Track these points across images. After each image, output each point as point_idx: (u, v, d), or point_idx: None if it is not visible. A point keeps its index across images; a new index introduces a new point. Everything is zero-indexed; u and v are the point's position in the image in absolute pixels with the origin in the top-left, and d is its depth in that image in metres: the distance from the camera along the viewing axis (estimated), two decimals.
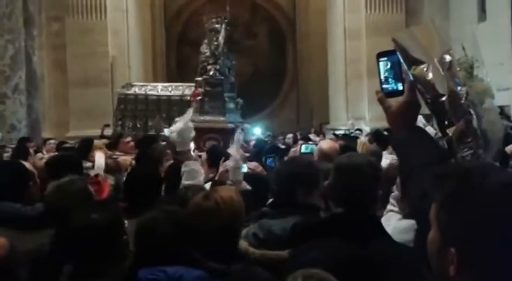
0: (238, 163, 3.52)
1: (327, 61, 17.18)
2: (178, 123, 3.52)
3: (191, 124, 3.59)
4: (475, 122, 1.50)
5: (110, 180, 3.25)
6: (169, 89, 10.91)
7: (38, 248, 2.32)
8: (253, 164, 4.18)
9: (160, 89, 11.08)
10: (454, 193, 1.01)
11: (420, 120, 1.63)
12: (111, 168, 4.75)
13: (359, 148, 5.30)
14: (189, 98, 8.63)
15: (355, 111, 14.69)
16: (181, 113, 10.37)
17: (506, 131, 1.69)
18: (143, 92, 11.02)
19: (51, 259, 2.21)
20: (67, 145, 7.53)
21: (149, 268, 1.91)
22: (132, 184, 3.04)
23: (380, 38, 13.83)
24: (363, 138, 7.54)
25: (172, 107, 10.43)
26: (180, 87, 10.88)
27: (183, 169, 3.42)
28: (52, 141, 8.67)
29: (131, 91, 11.11)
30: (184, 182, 3.35)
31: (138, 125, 10.74)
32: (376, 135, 6.89)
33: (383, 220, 2.54)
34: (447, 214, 1.02)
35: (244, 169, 3.95)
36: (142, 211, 2.31)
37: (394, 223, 2.50)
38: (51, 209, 2.45)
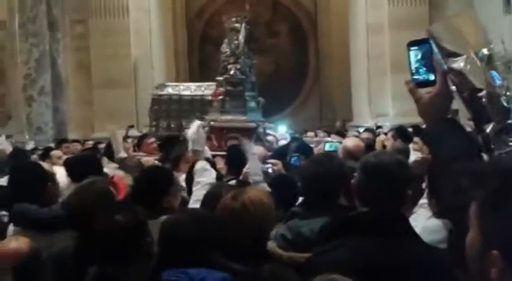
0: (255, 166, 3.57)
1: (349, 58, 17.04)
2: (194, 124, 3.61)
3: (202, 124, 3.69)
4: None
5: (128, 180, 3.27)
6: (202, 88, 10.96)
7: (62, 251, 2.33)
8: (273, 161, 4.17)
9: (194, 88, 11.15)
10: (498, 192, 0.96)
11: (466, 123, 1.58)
12: (132, 167, 4.78)
13: (378, 146, 5.24)
14: (210, 97, 8.65)
15: (379, 108, 14.54)
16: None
17: None
18: (177, 92, 11.09)
19: (76, 261, 2.21)
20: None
21: (172, 269, 1.90)
22: (138, 185, 3.03)
23: (403, 33, 13.63)
24: (382, 136, 7.45)
25: (206, 107, 10.50)
26: (213, 87, 10.94)
27: (196, 167, 3.48)
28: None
29: (165, 91, 11.19)
30: (197, 179, 3.40)
31: (173, 126, 10.81)
32: (400, 132, 6.79)
33: (410, 219, 2.49)
34: (490, 214, 0.97)
35: (269, 169, 3.95)
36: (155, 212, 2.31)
37: (423, 222, 2.44)
38: (73, 212, 2.46)
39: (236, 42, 8.45)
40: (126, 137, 11.32)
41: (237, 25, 8.73)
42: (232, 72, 8.26)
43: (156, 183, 2.87)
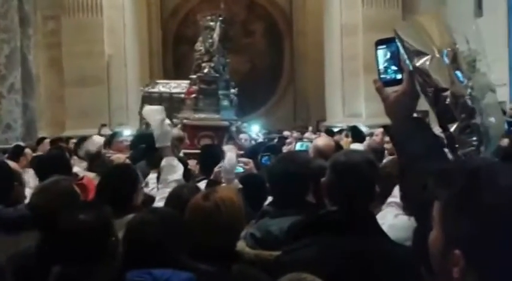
0: (232, 163, 3.52)
1: (323, 58, 17.15)
2: (155, 120, 3.52)
3: (167, 120, 3.62)
4: (477, 118, 1.46)
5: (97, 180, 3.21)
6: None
7: (24, 251, 2.28)
8: (245, 160, 4.16)
9: (185, 86, 11.12)
10: (461, 192, 0.96)
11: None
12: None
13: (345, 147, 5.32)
14: (183, 95, 8.63)
15: (352, 109, 14.67)
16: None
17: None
18: (168, 90, 11.01)
19: (39, 261, 2.17)
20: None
21: (137, 269, 1.87)
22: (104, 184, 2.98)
23: (377, 34, 13.65)
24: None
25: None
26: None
27: (162, 164, 3.42)
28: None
29: (155, 89, 11.09)
30: (163, 177, 3.34)
31: None
32: (354, 132, 7.00)
33: (378, 217, 2.50)
34: (453, 214, 0.97)
35: (240, 169, 3.93)
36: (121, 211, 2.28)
37: (391, 220, 2.45)
38: (37, 211, 2.41)
39: (211, 40, 8.44)
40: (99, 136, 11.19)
41: (211, 23, 8.72)
42: (206, 70, 8.25)
43: (121, 181, 2.83)
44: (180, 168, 3.42)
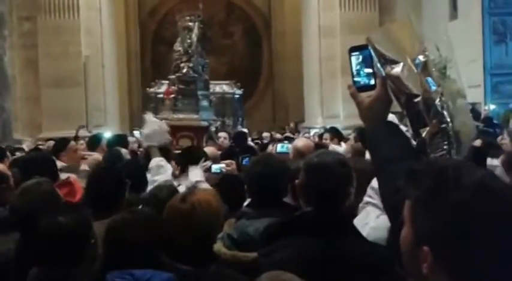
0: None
1: (302, 59, 17.24)
2: (147, 120, 3.52)
3: (156, 120, 3.61)
4: (448, 123, 1.51)
5: (82, 183, 3.20)
6: None
7: (4, 253, 2.27)
8: (227, 162, 4.18)
9: None
10: (429, 191, 1.01)
11: (393, 119, 1.64)
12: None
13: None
14: (163, 96, 8.60)
15: (330, 110, 14.77)
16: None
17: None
18: None
19: (17, 263, 2.16)
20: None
21: (118, 271, 1.88)
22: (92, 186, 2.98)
23: (354, 36, 13.89)
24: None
25: None
26: (210, 85, 10.91)
27: (150, 165, 3.41)
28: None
29: (161, 89, 11.00)
30: (151, 178, 3.34)
31: None
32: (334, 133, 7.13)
33: (361, 217, 2.52)
34: (421, 212, 1.01)
35: (222, 169, 3.94)
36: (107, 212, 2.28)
37: (373, 221, 2.47)
38: (17, 213, 2.40)
39: (189, 41, 8.45)
40: (76, 138, 11.08)
41: (190, 24, 8.73)
42: (184, 70, 8.25)
43: (108, 182, 2.83)
44: (169, 168, 3.41)
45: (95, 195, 2.82)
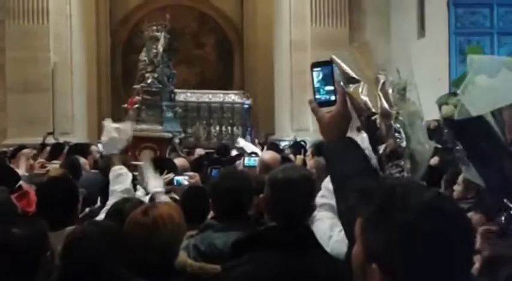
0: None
1: (273, 72, 17.34)
2: (105, 127, 3.46)
3: (116, 126, 3.54)
4: (404, 142, 1.54)
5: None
6: (210, 96, 10.81)
7: None
8: (191, 174, 4.17)
9: (200, 95, 10.97)
10: (378, 210, 1.03)
11: (365, 138, 1.68)
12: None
13: (298, 162, 5.38)
14: (126, 105, 8.47)
15: (299, 123, 14.87)
16: (220, 119, 10.32)
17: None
18: (183, 99, 10.80)
19: None
20: None
21: None
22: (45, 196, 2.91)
23: (324, 52, 14.08)
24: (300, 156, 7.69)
25: (212, 114, 10.35)
26: (220, 95, 10.87)
27: (110, 174, 3.35)
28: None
29: None
30: (111, 187, 3.28)
31: None
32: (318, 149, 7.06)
33: (325, 228, 2.53)
34: (371, 230, 1.04)
35: (185, 181, 3.93)
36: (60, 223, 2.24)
37: (337, 234, 2.48)
38: None
39: (155, 51, 8.37)
40: (43, 144, 10.86)
41: (157, 34, 8.67)
42: (149, 81, 8.16)
43: (60, 193, 2.78)
44: (128, 177, 3.35)
45: (47, 206, 2.77)
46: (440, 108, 1.98)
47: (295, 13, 15.17)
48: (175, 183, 3.88)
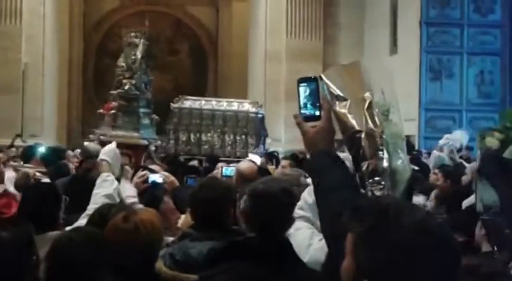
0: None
1: (247, 82, 17.42)
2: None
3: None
4: (385, 161, 1.60)
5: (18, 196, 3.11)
6: (224, 104, 10.79)
7: None
8: (166, 173, 4.17)
9: (215, 103, 10.94)
10: (371, 229, 1.08)
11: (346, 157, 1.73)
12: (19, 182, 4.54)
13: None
14: (102, 111, 8.41)
15: (272, 133, 14.92)
16: (235, 128, 10.32)
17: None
18: (198, 107, 10.75)
19: None
20: None
21: None
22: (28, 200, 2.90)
23: (298, 63, 14.26)
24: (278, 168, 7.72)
25: (226, 123, 10.34)
26: (235, 103, 10.87)
27: (98, 180, 3.35)
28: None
29: (186, 105, 10.77)
30: (94, 191, 3.27)
31: (192, 140, 10.53)
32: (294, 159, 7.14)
33: (303, 237, 2.56)
34: (363, 248, 1.08)
35: (160, 179, 3.92)
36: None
37: (317, 243, 2.49)
38: None
39: (133, 57, 8.33)
40: (11, 147, 10.66)
41: (135, 40, 8.63)
42: (127, 87, 8.10)
43: (44, 198, 2.77)
44: (114, 184, 3.33)
45: (31, 209, 2.76)
46: (483, 138, 2.04)
47: (270, 24, 15.31)
48: (149, 181, 3.88)
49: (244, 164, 4.56)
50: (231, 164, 5.27)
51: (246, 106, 10.82)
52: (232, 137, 10.43)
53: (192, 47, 20.85)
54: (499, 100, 12.57)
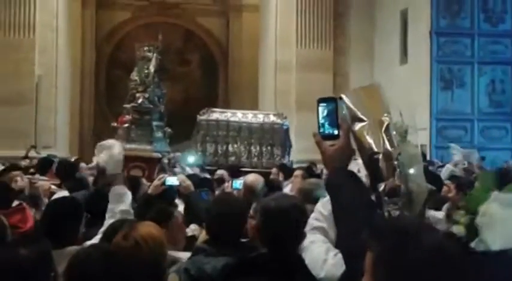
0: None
1: (257, 92, 17.46)
2: (110, 147, 3.49)
3: (121, 148, 3.58)
4: (403, 182, 1.64)
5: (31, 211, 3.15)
6: (249, 116, 10.97)
7: None
8: (183, 178, 4.26)
9: (241, 116, 11.13)
10: (392, 249, 1.11)
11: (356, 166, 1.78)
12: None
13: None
14: (115, 124, 8.49)
15: None
16: (261, 139, 10.48)
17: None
18: (225, 119, 10.93)
19: None
20: None
21: None
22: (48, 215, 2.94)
23: (308, 74, 14.31)
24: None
25: (253, 134, 10.50)
26: (260, 115, 11.06)
27: (111, 193, 3.35)
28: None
29: (212, 117, 10.94)
30: (110, 206, 3.28)
31: (219, 151, 10.71)
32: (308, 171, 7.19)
33: (319, 251, 2.59)
34: (382, 267, 1.11)
35: (176, 182, 4.03)
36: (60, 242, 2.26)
37: (332, 258, 2.50)
38: None
39: (146, 71, 8.44)
40: (26, 158, 10.75)
41: (148, 54, 8.75)
42: (140, 101, 8.21)
43: (65, 213, 2.82)
44: (129, 197, 3.35)
45: (50, 224, 2.80)
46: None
47: (281, 34, 15.37)
48: (166, 184, 3.98)
49: (251, 177, 4.62)
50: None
51: (272, 118, 10.92)
52: (258, 148, 10.53)
53: (203, 58, 20.94)
54: (510, 109, 12.53)
